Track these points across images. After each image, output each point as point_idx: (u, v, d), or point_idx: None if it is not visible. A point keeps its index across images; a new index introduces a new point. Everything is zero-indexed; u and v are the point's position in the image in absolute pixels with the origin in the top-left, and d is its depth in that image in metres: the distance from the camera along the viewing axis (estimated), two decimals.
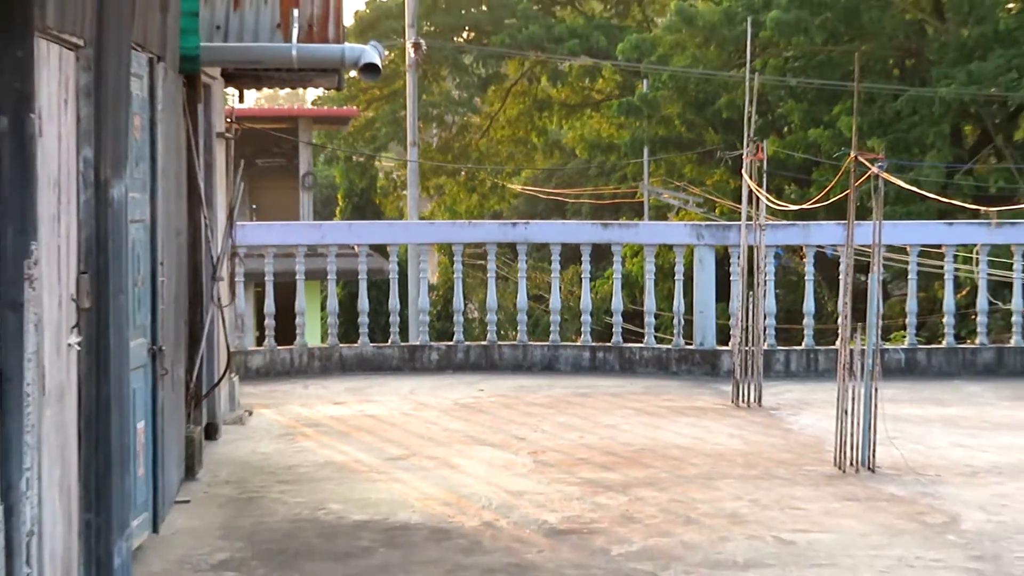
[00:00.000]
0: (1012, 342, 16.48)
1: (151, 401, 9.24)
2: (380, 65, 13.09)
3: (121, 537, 7.64)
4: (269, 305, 17.15)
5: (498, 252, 17.45)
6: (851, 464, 11.30)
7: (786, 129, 28.50)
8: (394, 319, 17.22)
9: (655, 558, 8.88)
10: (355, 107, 36.23)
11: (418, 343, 17.18)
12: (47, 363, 6.16)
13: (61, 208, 6.62)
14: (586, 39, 35.10)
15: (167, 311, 9.88)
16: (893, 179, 12.50)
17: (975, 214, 17.36)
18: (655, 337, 17.39)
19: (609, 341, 16.97)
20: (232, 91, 15.20)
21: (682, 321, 16.75)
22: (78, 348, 6.96)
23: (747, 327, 14.79)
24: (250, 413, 13.96)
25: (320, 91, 30.87)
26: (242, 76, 13.51)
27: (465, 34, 38.55)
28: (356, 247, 19.86)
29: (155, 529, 9.42)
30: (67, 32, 6.65)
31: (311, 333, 17.90)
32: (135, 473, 8.49)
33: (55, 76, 6.45)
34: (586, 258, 17.29)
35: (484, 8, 37.45)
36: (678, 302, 16.76)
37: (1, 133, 5.82)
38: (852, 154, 12.18)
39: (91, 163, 7.09)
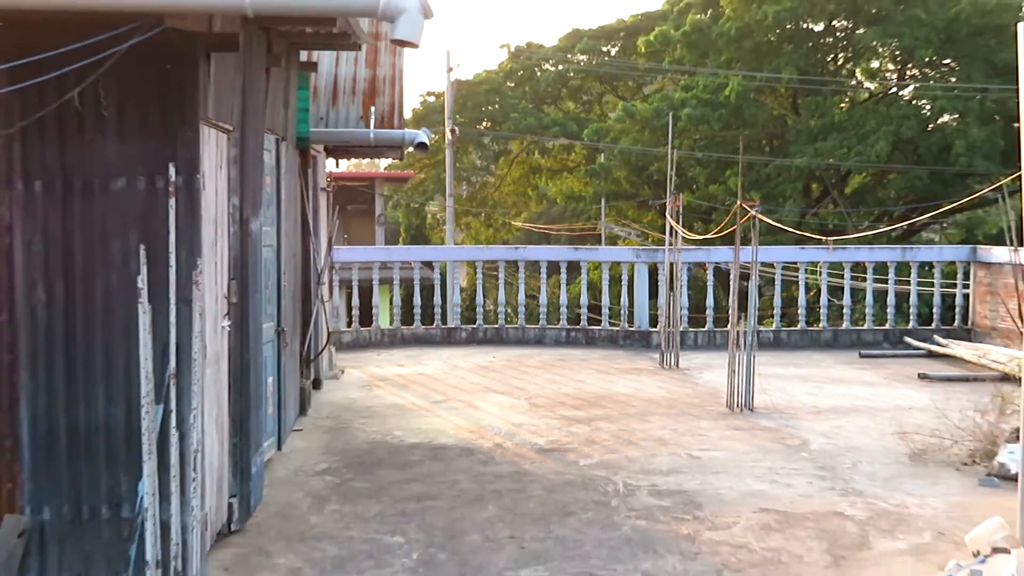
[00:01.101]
0: (843, 326, 16.51)
1: (277, 364, 9.26)
2: (428, 144, 13.19)
3: (257, 453, 7.63)
4: (355, 300, 17.23)
5: (505, 266, 17.45)
6: (737, 406, 11.32)
7: (695, 186, 28.48)
8: (437, 310, 17.26)
9: (608, 467, 8.89)
10: (412, 171, 36.17)
11: (452, 326, 17.19)
12: (208, 339, 6.15)
13: (217, 237, 6.61)
14: (564, 127, 35.12)
15: (287, 305, 9.89)
16: (764, 219, 12.53)
17: (818, 242, 17.39)
18: (608, 322, 17.36)
19: (578, 325, 17.01)
20: (331, 160, 15.25)
21: (626, 312, 16.77)
22: (228, 329, 6.96)
23: (669, 315, 14.85)
24: (342, 372, 13.99)
25: (389, 160, 30.78)
26: (337, 150, 13.55)
27: (484, 124, 38.49)
28: (412, 263, 20.07)
29: (279, 448, 9.44)
30: (222, 121, 6.63)
31: (382, 319, 17.89)
32: (266, 411, 8.50)
33: (213, 150, 6.44)
34: (563, 270, 17.40)
35: (496, 106, 37.39)
36: (624, 299, 16.78)
37: (177, 188, 5.81)
38: (738, 202, 12.23)
39: (237, 207, 7.07)
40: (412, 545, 6.93)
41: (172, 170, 5.79)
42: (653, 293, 16.82)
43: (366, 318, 17.59)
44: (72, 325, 5.94)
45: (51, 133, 5.87)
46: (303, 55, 10.31)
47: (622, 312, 16.93)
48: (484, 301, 17.20)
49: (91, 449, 5.95)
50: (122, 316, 5.89)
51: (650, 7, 38.21)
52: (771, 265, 17.04)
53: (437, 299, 17.34)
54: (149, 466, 5.70)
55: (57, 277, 5.93)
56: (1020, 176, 6.43)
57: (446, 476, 8.67)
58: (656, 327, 16.24)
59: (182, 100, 5.94)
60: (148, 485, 5.70)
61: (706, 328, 16.67)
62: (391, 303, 18.03)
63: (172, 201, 5.77)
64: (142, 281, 5.68)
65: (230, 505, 7.09)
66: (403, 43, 5.43)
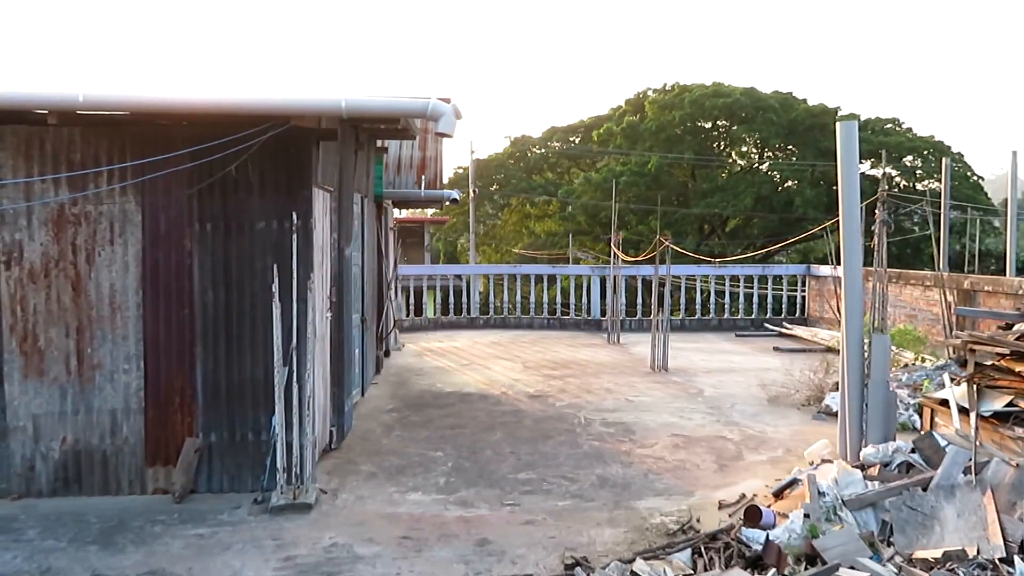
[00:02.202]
0: (724, 316, 16.39)
1: (361, 340, 9.20)
2: (458, 199, 13.13)
3: (348, 398, 7.59)
4: (411, 299, 17.10)
5: (508, 277, 17.32)
6: (656, 368, 11.22)
7: (629, 226, 28.36)
8: (464, 305, 17.16)
9: (574, 407, 8.81)
10: (447, 217, 35.99)
11: (474, 316, 17.06)
12: (317, 324, 6.11)
13: (324, 259, 6.58)
14: (545, 188, 35.06)
15: (368, 302, 9.84)
16: (674, 247, 12.43)
17: (708, 262, 17.27)
18: (574, 314, 17.26)
19: (555, 315, 16.90)
20: (396, 209, 15.19)
21: (586, 307, 16.69)
22: (330, 318, 6.92)
23: (613, 309, 14.75)
24: (403, 345, 13.88)
25: (432, 209, 30.60)
26: (399, 203, 13.49)
27: (493, 186, 38.39)
28: (448, 275, 19.91)
29: (363, 395, 9.37)
30: (326, 185, 6.61)
31: (428, 311, 17.79)
32: (355, 370, 8.46)
33: (321, 203, 6.41)
34: (545, 280, 17.25)
35: (502, 175, 37.35)
36: (584, 299, 16.71)
37: (298, 228, 5.78)
38: (658, 237, 12.17)
39: (336, 240, 7.04)
40: (448, 457, 6.89)
41: (295, 216, 5.77)
42: (603, 295, 16.72)
43: (418, 310, 17.47)
44: (229, 315, 5.92)
45: (217, 192, 5.86)
46: (379, 143, 10.29)
47: (583, 307, 16.85)
48: (494, 299, 17.08)
49: (241, 395, 5.93)
50: (261, 309, 5.87)
51: (600, 112, 38.16)
52: (678, 276, 16.98)
53: (464, 299, 17.23)
54: (279, 407, 5.67)
55: (220, 284, 5.92)
56: (836, 222, 6.42)
57: (470, 413, 8.62)
58: (604, 316, 16.16)
59: (301, 171, 5.93)
60: (279, 419, 5.68)
61: (637, 317, 16.59)
62: (434, 301, 17.95)
63: (294, 236, 5.76)
64: (275, 287, 5.66)
65: (331, 432, 7.06)
66: (443, 135, 5.42)
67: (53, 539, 4.99)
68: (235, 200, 5.86)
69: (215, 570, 4.55)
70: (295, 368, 5.79)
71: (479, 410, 8.73)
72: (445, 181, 15.09)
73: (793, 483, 5.64)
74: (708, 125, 31.62)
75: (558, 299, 17.07)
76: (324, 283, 6.65)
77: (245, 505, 5.60)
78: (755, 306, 16.54)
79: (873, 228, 6.77)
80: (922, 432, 6.11)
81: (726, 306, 16.50)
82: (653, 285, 12.61)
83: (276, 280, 5.65)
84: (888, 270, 6.99)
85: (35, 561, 4.65)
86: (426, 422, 8.19)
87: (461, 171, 37.91)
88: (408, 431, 7.80)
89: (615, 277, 14.87)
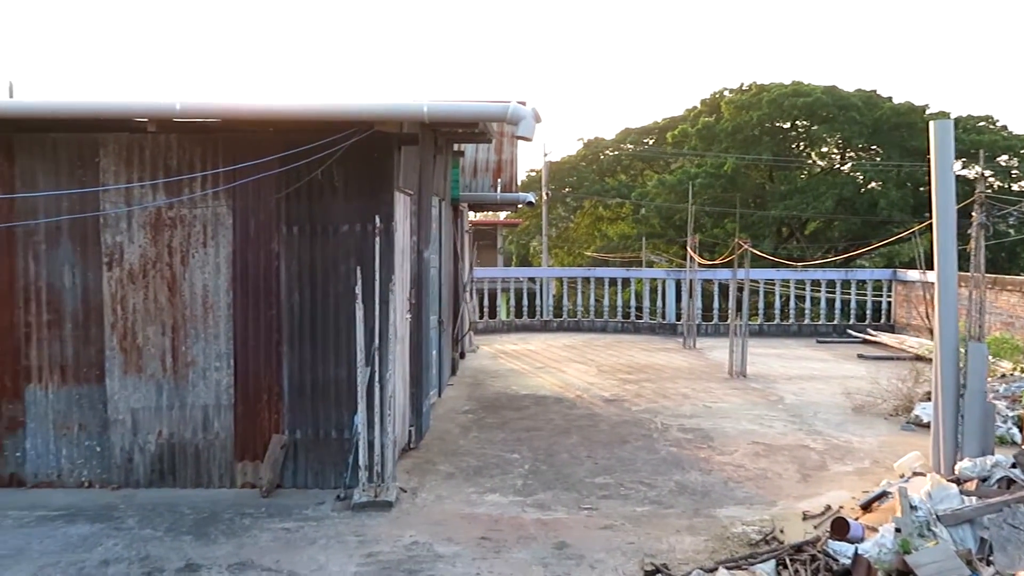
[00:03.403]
0: (805, 321, 15.94)
1: (438, 342, 9.32)
2: (533, 202, 13.17)
3: (426, 398, 7.69)
4: (485, 302, 17.22)
5: (581, 281, 17.24)
6: (734, 374, 11.03)
7: (704, 230, 27.86)
8: (537, 308, 17.19)
9: (651, 412, 8.73)
10: (520, 219, 36.06)
11: (547, 319, 17.07)
12: (397, 325, 6.23)
13: (404, 261, 6.70)
14: (618, 191, 34.82)
15: (445, 304, 9.95)
16: (752, 250, 12.18)
17: (788, 266, 16.85)
18: (648, 318, 17.05)
19: (629, 319, 16.75)
20: (471, 212, 15.31)
21: (660, 311, 16.49)
22: (409, 319, 7.04)
23: (689, 313, 14.54)
24: (478, 348, 14.00)
25: (506, 212, 30.76)
26: (475, 206, 13.62)
27: (566, 189, 38.33)
28: (521, 278, 19.93)
29: (439, 395, 9.49)
30: (407, 188, 6.73)
31: (502, 313, 17.87)
32: (432, 372, 8.57)
33: (402, 207, 6.53)
34: (619, 284, 17.14)
35: (574, 178, 37.28)
36: (658, 303, 16.52)
37: (380, 231, 5.89)
38: (736, 240, 11.95)
39: (416, 243, 7.15)
40: (524, 459, 6.91)
41: (377, 220, 5.89)
42: (678, 299, 16.47)
43: (491, 313, 17.60)
44: (314, 316, 6.09)
45: (304, 196, 6.03)
46: (456, 147, 10.40)
47: (657, 311, 16.66)
48: (567, 302, 17.03)
49: (325, 394, 6.09)
50: (344, 311, 6.01)
51: (674, 112, 37.69)
52: (756, 281, 16.58)
53: (538, 302, 17.27)
54: (361, 406, 5.80)
55: (306, 286, 6.08)
56: (929, 224, 6.18)
57: (545, 415, 8.63)
58: (680, 321, 15.93)
59: (383, 176, 6.05)
60: (361, 418, 5.80)
61: (713, 322, 16.30)
62: (507, 303, 18.02)
63: (377, 239, 5.88)
64: (358, 289, 5.79)
65: (410, 432, 7.17)
66: (522, 138, 5.44)
67: (150, 528, 5.22)
68: (320, 204, 6.02)
69: (301, 563, 4.68)
70: (377, 368, 5.90)
71: (554, 413, 8.72)
72: (519, 183, 15.13)
73: (882, 496, 5.44)
74: (787, 125, 30.80)
75: (632, 302, 16.90)
76: (404, 285, 6.76)
77: (328, 501, 5.74)
78: (837, 311, 16.05)
79: (969, 232, 6.48)
80: (1022, 446, 5.81)
81: (806, 311, 16.06)
82: (730, 289, 12.37)
83: (359, 282, 5.77)
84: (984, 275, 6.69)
85: (134, 548, 4.88)
86: (502, 424, 8.23)
87: (533, 174, 37.99)
88: (485, 432, 7.86)
89: (691, 281, 14.65)
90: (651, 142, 37.08)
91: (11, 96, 8.18)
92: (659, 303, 16.66)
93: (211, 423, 6.10)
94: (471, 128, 7.88)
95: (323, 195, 6.02)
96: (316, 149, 5.70)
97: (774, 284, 17.01)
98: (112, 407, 6.10)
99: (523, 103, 5.82)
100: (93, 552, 4.81)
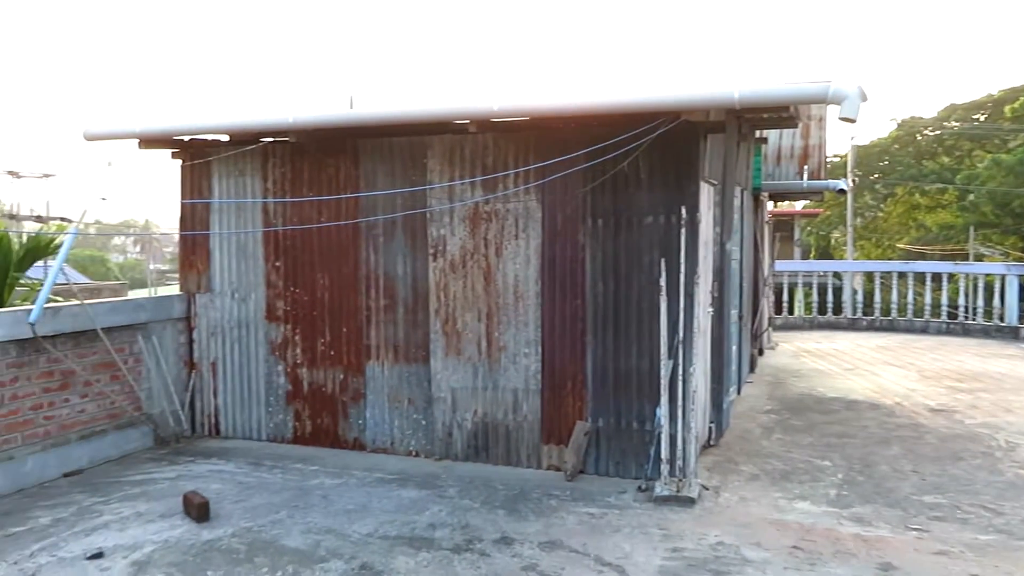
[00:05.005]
0: None
1: (738, 337, 9.00)
2: (846, 190, 12.18)
3: (726, 394, 7.45)
4: (784, 297, 16.32)
5: (897, 276, 15.60)
6: None
7: None
8: (842, 305, 15.93)
9: (990, 427, 7.65)
10: (820, 209, 33.73)
11: (855, 316, 15.73)
12: (699, 319, 6.10)
13: (707, 253, 6.54)
14: (939, 175, 31.05)
15: (744, 299, 9.58)
16: None
17: None
18: (982, 319, 14.96)
19: (955, 320, 14.83)
20: (769, 202, 14.58)
21: (997, 311, 14.39)
22: (711, 313, 6.85)
23: None
24: (776, 345, 13.34)
25: (803, 202, 28.90)
26: (775, 196, 12.91)
27: (875, 175, 35.04)
28: (822, 272, 18.56)
29: (738, 393, 9.19)
30: (711, 178, 6.55)
31: (800, 310, 16.80)
32: (731, 367, 8.30)
33: (706, 197, 6.37)
34: (944, 279, 15.28)
35: (886, 162, 33.92)
36: (996, 301, 14.43)
37: (685, 222, 5.80)
38: None
39: (719, 234, 6.93)
40: (837, 468, 6.41)
41: (682, 211, 5.81)
42: (1021, 298, 14.24)
43: (790, 309, 16.65)
44: (617, 307, 6.17)
45: (608, 189, 6.14)
46: (758, 133, 9.93)
47: (992, 311, 14.56)
48: (879, 299, 15.55)
49: (626, 384, 6.15)
50: (647, 303, 6.02)
51: (1014, 83, 32.67)
52: None
53: (842, 298, 16.00)
54: (664, 399, 5.77)
55: (609, 277, 6.19)
56: None
57: (858, 422, 7.95)
58: (1022, 323, 13.76)
59: (688, 166, 5.95)
60: (664, 411, 5.78)
61: None
62: (808, 299, 16.91)
63: (682, 231, 5.80)
64: (662, 281, 5.76)
65: (710, 428, 7.01)
66: (846, 120, 5.01)
67: (468, 499, 5.67)
68: (624, 195, 6.08)
69: (607, 550, 4.77)
70: (679, 362, 5.83)
71: (869, 420, 8.00)
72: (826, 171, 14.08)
73: None
74: None
75: (960, 301, 14.95)
76: (707, 278, 6.61)
77: (630, 491, 5.80)
78: None
79: None
80: None
81: None
82: None
83: (663, 274, 5.74)
84: None
85: (456, 516, 5.33)
86: (808, 427, 7.73)
87: (837, 159, 35.28)
88: (789, 435, 7.44)
89: None
90: (983, 118, 32.54)
91: (351, 107, 9.34)
92: (995, 302, 14.54)
93: (520, 406, 6.46)
94: (779, 113, 7.43)
95: (627, 187, 6.07)
96: (621, 143, 5.76)
97: None
98: (435, 385, 6.71)
99: (841, 82, 5.35)
100: (422, 515, 5.33)
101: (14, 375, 5.97)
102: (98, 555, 4.69)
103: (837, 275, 17.88)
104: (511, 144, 6.40)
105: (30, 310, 6.04)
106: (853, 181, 30.50)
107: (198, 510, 5.24)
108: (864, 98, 5.27)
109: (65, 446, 6.36)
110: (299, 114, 6.31)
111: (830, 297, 15.92)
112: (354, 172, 6.91)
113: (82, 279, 25.38)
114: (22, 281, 8.41)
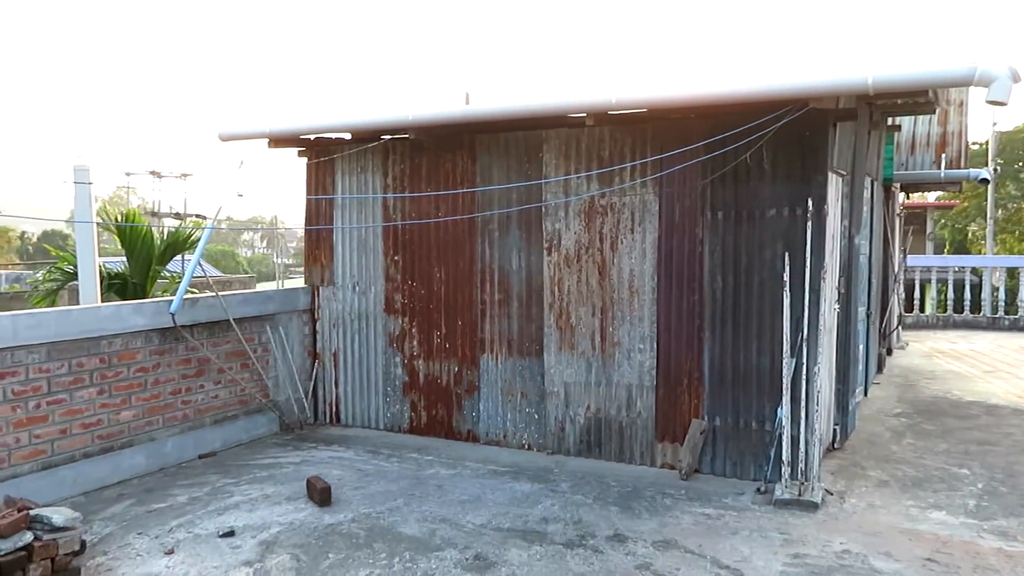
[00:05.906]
0: None
1: (865, 336, 8.56)
2: (989, 179, 11.36)
3: (852, 395, 7.12)
4: (916, 294, 15.39)
5: None
6: None
7: None
8: (981, 300, 14.87)
9: None
10: (956, 200, 31.60)
11: (996, 315, 14.67)
12: (825, 316, 5.82)
13: (834, 247, 6.23)
14: None
15: (873, 295, 9.09)
16: None
17: None
18: None
19: None
20: (900, 193, 13.76)
21: None
22: (837, 310, 6.54)
23: None
24: (906, 344, 12.61)
25: (936, 193, 27.14)
26: (907, 186, 12.18)
27: (1018, 164, 32.53)
28: (959, 267, 17.32)
29: (865, 394, 8.75)
30: (840, 169, 6.24)
31: (933, 308, 15.81)
32: (858, 367, 7.90)
33: (834, 188, 6.07)
34: None
35: None
36: None
37: (811, 215, 5.57)
38: None
39: (847, 227, 6.62)
40: (976, 477, 5.99)
41: (808, 203, 5.57)
42: None
43: (922, 306, 15.70)
44: (737, 302, 5.98)
45: (728, 181, 5.95)
46: (891, 120, 9.40)
47: None
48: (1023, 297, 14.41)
49: (745, 383, 5.96)
50: (769, 298, 5.81)
51: None
52: None
53: (984, 294, 14.93)
54: (786, 399, 5.56)
55: (729, 271, 6.01)
56: None
57: (1000, 428, 7.40)
58: None
59: (816, 156, 5.69)
60: (785, 411, 5.56)
61: None
62: (943, 296, 15.88)
63: (808, 224, 5.56)
64: (786, 276, 5.55)
65: (834, 430, 6.70)
66: (995, 103, 4.65)
67: (580, 495, 5.64)
68: (745, 188, 5.88)
69: (724, 552, 4.64)
70: (803, 360, 5.59)
71: (1014, 427, 7.43)
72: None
73: None
74: None
75: None
76: (833, 273, 6.31)
77: (748, 493, 5.62)
78: None
79: None
80: None
81: None
82: None
83: (787, 269, 5.52)
84: None
85: (568, 511, 5.31)
86: (943, 433, 7.26)
87: (976, 147, 32.94)
88: (921, 440, 7.01)
89: None
90: None
91: (468, 103, 9.46)
92: None
93: (634, 402, 6.38)
94: (915, 98, 7.03)
95: (749, 179, 5.87)
96: (743, 133, 5.57)
97: None
98: (548, 380, 6.72)
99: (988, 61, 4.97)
100: (535, 509, 5.35)
101: (156, 361, 6.40)
102: (230, 533, 4.96)
103: (975, 271, 16.73)
104: (628, 137, 6.31)
105: (171, 301, 6.46)
106: (995, 170, 28.41)
107: (321, 495, 5.46)
108: (1017, 79, 4.88)
109: (200, 429, 6.77)
110: (418, 111, 6.45)
111: (967, 294, 14.90)
112: (471, 167, 7.00)
113: (215, 272, 27.01)
114: (163, 273, 9.02)
